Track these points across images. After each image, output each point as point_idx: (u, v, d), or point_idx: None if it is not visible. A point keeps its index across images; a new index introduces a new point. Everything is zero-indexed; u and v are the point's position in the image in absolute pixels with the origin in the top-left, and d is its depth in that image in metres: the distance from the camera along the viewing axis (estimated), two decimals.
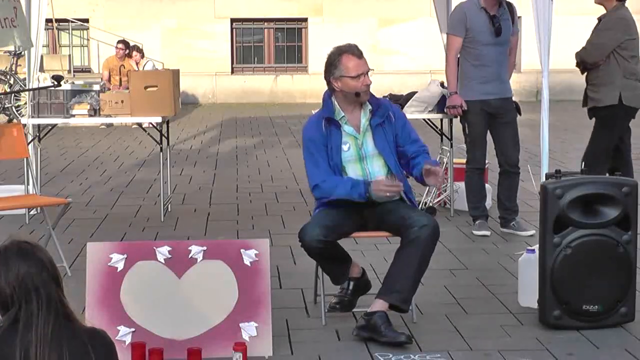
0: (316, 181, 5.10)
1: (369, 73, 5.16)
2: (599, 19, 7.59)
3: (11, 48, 17.16)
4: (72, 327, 2.82)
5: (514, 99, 7.64)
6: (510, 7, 7.47)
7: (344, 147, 5.15)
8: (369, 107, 5.21)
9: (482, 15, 7.32)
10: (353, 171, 5.14)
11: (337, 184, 5.06)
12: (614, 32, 7.42)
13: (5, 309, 2.80)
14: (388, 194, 4.99)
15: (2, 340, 2.73)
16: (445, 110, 7.81)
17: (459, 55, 7.48)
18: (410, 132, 5.24)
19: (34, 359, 2.71)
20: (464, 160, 8.59)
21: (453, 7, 8.60)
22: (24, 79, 11.26)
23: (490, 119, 7.40)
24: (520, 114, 7.56)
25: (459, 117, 7.63)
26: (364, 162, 5.17)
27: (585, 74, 7.67)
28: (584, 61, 7.47)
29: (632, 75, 7.45)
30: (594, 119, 7.76)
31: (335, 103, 5.20)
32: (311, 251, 5.01)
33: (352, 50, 5.14)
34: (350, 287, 5.27)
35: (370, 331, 4.90)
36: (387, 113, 5.20)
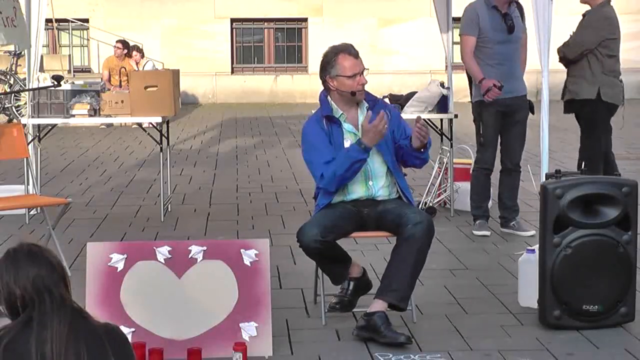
0: (321, 170, 5.07)
1: (365, 72, 5.17)
2: (584, 15, 7.58)
3: (11, 48, 17.18)
4: (88, 323, 2.84)
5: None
6: (519, 4, 7.47)
7: (346, 144, 5.16)
8: (365, 104, 5.24)
9: (494, 13, 7.31)
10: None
11: (335, 163, 5.04)
12: (597, 30, 7.42)
13: (14, 310, 2.82)
14: (381, 129, 4.94)
15: (16, 340, 2.75)
16: (482, 98, 7.45)
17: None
18: (405, 128, 5.27)
19: (50, 357, 2.74)
20: (464, 160, 8.59)
21: (453, 7, 8.61)
22: (24, 79, 11.25)
23: (503, 117, 7.37)
24: (533, 113, 7.51)
25: (473, 118, 7.55)
26: None
27: (564, 66, 7.68)
28: (565, 56, 7.48)
29: (611, 72, 7.47)
30: (575, 119, 7.77)
31: (332, 102, 5.21)
32: (309, 251, 5.01)
33: (349, 50, 5.16)
34: (350, 287, 5.26)
35: (370, 331, 4.90)
36: (382, 110, 5.21)
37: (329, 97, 5.23)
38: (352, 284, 5.26)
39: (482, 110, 7.36)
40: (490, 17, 7.31)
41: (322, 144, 5.13)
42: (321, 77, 5.22)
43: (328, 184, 5.07)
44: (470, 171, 7.83)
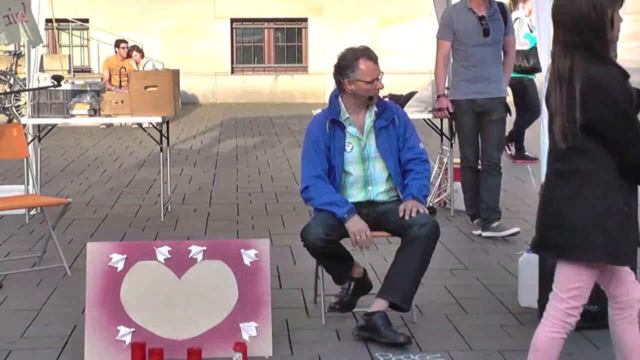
0: (307, 182, 5.12)
1: (380, 76, 5.16)
2: None
3: (11, 48, 17.18)
4: None
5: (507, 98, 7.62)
6: (502, 7, 7.47)
7: (347, 148, 5.16)
8: (375, 109, 5.22)
9: (470, 16, 7.34)
10: (355, 171, 5.16)
11: (326, 192, 5.06)
12: None
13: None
14: (356, 244, 5.03)
15: None
16: (433, 113, 7.87)
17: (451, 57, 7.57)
18: (409, 138, 5.24)
19: None
20: None
21: None
22: (24, 79, 11.25)
23: (479, 117, 7.41)
24: (510, 114, 7.55)
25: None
26: (366, 163, 5.19)
27: None
28: None
29: None
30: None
31: (342, 104, 5.21)
32: (314, 250, 5.02)
33: (369, 54, 5.14)
34: (351, 287, 5.27)
35: (370, 331, 4.90)
36: (392, 117, 5.21)
37: (339, 98, 5.23)
38: (352, 284, 5.27)
39: (455, 109, 7.47)
40: (466, 20, 7.35)
41: (317, 154, 5.14)
42: (337, 79, 5.20)
43: (306, 200, 5.18)
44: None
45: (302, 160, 5.24)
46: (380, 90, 5.20)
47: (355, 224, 4.99)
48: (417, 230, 4.94)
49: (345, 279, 5.27)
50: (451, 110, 7.44)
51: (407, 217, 4.99)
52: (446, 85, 8.25)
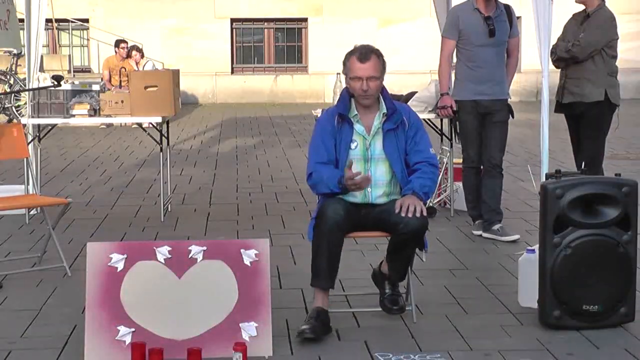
0: (311, 169, 5.17)
1: (367, 79, 5.09)
2: (586, 16, 7.52)
3: (11, 48, 17.18)
4: None
5: (511, 100, 7.62)
6: (508, 9, 7.48)
7: (352, 145, 5.17)
8: (384, 110, 5.21)
9: (476, 16, 7.34)
10: (356, 171, 5.16)
11: (324, 173, 5.11)
12: (606, 30, 7.43)
13: None
14: (354, 188, 5.03)
15: None
16: (436, 111, 7.87)
17: (454, 56, 7.56)
18: (419, 142, 5.22)
19: None
20: None
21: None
22: (24, 79, 11.26)
23: (482, 118, 7.42)
24: (513, 117, 7.55)
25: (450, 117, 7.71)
26: (368, 164, 5.18)
27: (561, 68, 7.63)
28: (575, 57, 7.44)
29: (613, 73, 7.50)
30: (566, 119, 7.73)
31: (353, 101, 5.22)
32: (330, 225, 4.95)
33: (357, 54, 5.14)
34: (318, 317, 5.01)
35: (379, 282, 5.33)
36: (401, 119, 5.19)
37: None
38: (319, 314, 5.02)
39: (458, 109, 7.47)
40: (472, 20, 7.35)
41: (324, 143, 5.17)
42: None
43: (311, 187, 5.25)
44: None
45: (309, 149, 5.29)
46: (367, 92, 5.11)
47: (347, 183, 5.03)
48: (402, 228, 4.97)
49: (329, 282, 5.09)
50: (455, 109, 7.44)
51: (402, 214, 4.98)
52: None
